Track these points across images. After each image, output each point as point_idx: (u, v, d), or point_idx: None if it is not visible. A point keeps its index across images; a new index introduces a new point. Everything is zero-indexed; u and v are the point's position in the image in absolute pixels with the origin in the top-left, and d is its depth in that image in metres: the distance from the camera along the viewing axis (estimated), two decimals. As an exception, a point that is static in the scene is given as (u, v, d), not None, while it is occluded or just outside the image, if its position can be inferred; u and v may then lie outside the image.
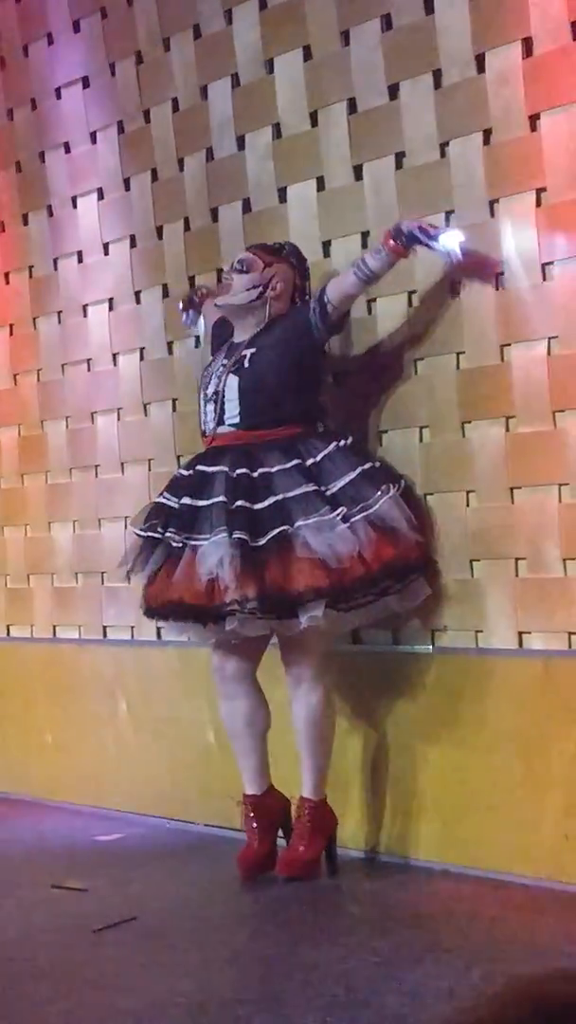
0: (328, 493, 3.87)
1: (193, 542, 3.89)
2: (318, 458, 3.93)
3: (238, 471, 3.91)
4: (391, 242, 3.89)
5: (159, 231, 4.98)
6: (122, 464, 5.19)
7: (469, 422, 3.98)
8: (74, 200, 5.37)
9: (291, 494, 3.85)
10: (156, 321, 5.01)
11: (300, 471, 3.90)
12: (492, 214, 3.89)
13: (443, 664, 4.02)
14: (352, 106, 4.27)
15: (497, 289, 3.88)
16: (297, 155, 4.46)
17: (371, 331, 4.21)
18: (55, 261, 5.48)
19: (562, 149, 3.70)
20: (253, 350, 4.04)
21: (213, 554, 3.81)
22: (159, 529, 4.00)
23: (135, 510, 4.36)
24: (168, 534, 3.96)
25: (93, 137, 5.26)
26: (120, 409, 5.19)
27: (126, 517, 4.87)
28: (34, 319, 5.61)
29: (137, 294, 5.10)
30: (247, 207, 4.64)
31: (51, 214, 5.49)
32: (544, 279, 3.76)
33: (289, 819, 4.01)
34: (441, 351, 4.04)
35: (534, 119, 3.77)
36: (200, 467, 4.03)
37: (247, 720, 4.02)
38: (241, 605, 3.77)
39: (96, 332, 5.29)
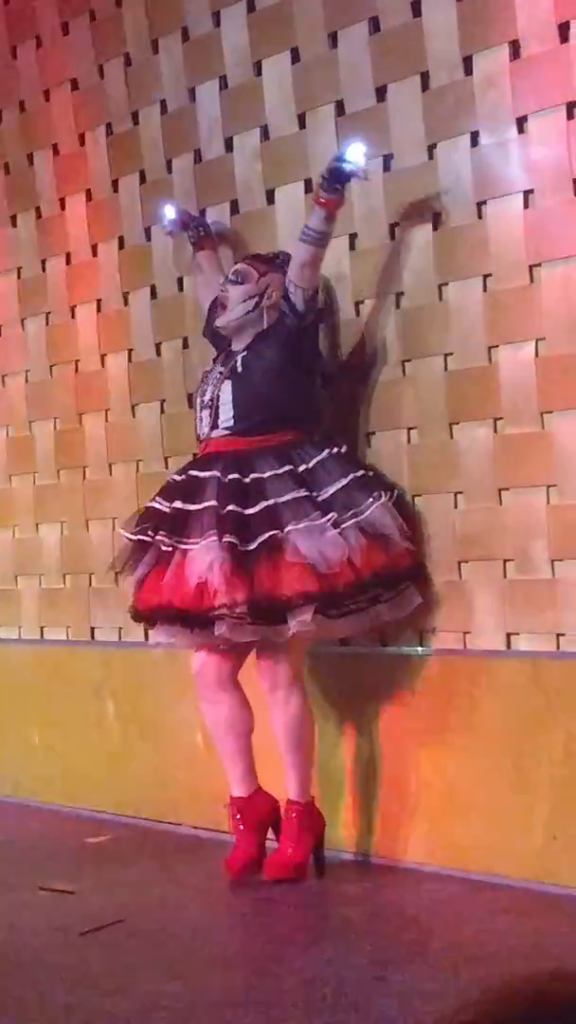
0: (320, 499, 3.87)
1: (183, 546, 3.89)
2: (311, 464, 3.93)
3: (230, 476, 3.91)
4: (320, 194, 3.91)
5: (147, 232, 4.98)
6: (110, 465, 5.18)
7: (457, 424, 3.98)
8: (62, 201, 5.36)
9: (282, 499, 3.85)
10: (144, 322, 5.00)
11: (292, 477, 3.90)
12: (480, 216, 3.89)
13: (431, 665, 4.02)
14: (340, 108, 4.27)
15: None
16: (285, 157, 4.45)
17: (358, 333, 4.22)
18: (43, 262, 5.48)
19: (550, 151, 3.70)
20: (245, 354, 4.05)
21: (203, 557, 3.81)
22: (149, 532, 4.00)
23: (123, 511, 4.36)
24: (158, 537, 3.96)
25: (81, 139, 5.26)
26: (108, 410, 5.19)
27: (114, 518, 4.87)
28: (22, 320, 5.61)
29: (125, 295, 5.10)
30: (235, 208, 4.63)
31: (39, 215, 5.48)
32: (531, 281, 3.77)
33: (279, 820, 4.01)
34: (429, 353, 4.04)
35: (521, 121, 3.77)
36: (193, 472, 4.03)
37: (230, 724, 4.00)
38: (230, 609, 3.76)
39: (84, 333, 5.29)
